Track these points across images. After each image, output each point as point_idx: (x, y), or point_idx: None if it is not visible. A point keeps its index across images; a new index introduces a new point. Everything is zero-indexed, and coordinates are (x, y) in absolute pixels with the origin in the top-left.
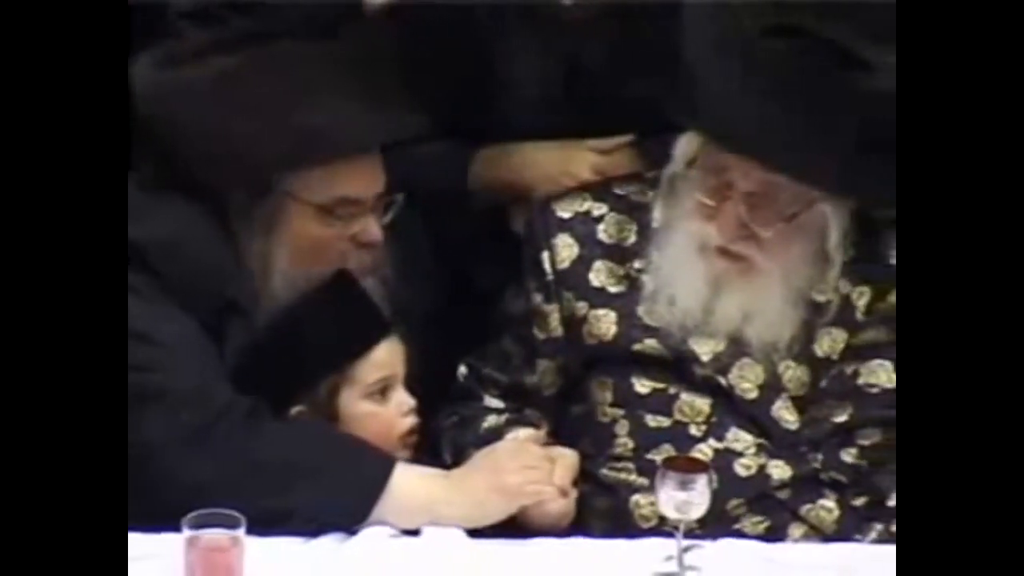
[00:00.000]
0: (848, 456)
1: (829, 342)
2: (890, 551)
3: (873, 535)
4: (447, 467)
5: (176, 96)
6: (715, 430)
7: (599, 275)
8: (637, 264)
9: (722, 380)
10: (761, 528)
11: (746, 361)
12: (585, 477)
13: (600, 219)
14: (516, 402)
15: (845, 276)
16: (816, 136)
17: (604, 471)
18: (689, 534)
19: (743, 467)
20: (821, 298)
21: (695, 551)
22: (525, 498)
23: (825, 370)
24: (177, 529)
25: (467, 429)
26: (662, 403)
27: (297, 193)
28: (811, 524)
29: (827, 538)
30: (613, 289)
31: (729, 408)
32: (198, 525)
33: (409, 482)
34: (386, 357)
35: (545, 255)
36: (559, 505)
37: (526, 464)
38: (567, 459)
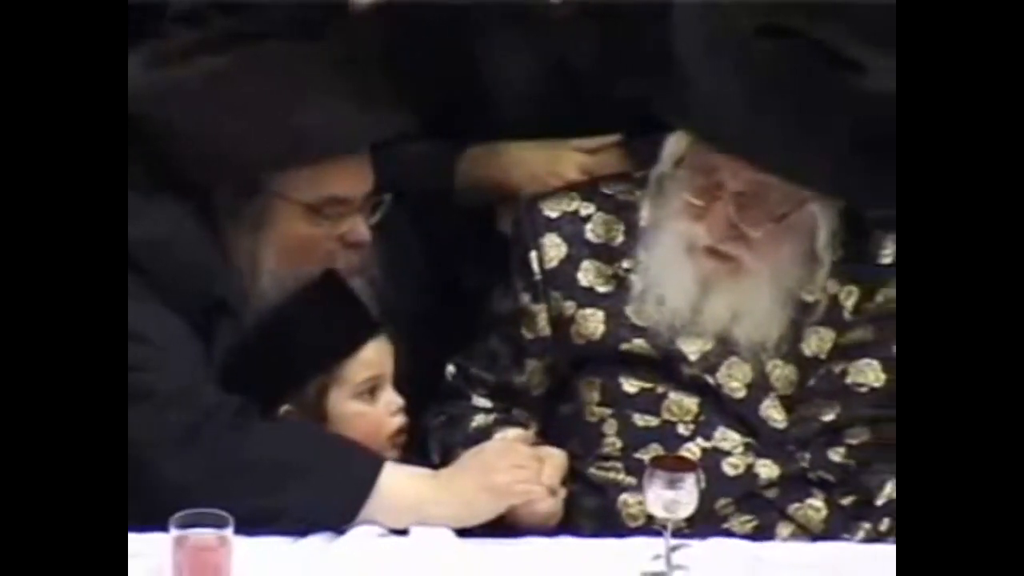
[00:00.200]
0: (836, 455)
1: (817, 341)
2: (878, 550)
3: (861, 534)
4: (435, 467)
5: (164, 96)
6: (703, 429)
7: (587, 275)
8: (625, 264)
9: (710, 379)
10: (749, 527)
11: (734, 360)
12: (573, 476)
13: (588, 219)
14: (504, 402)
15: (833, 276)
16: (806, 136)
17: (592, 470)
18: (677, 533)
19: (731, 466)
20: (809, 298)
21: (683, 550)
22: (514, 497)
23: (813, 369)
24: (165, 529)
25: (455, 429)
26: (650, 402)
27: (285, 193)
28: (799, 523)
29: (815, 537)
30: (601, 289)
31: (717, 407)
32: (186, 525)
33: (398, 482)
34: (374, 357)
35: (533, 255)
36: (547, 505)
37: (515, 464)
38: (555, 459)
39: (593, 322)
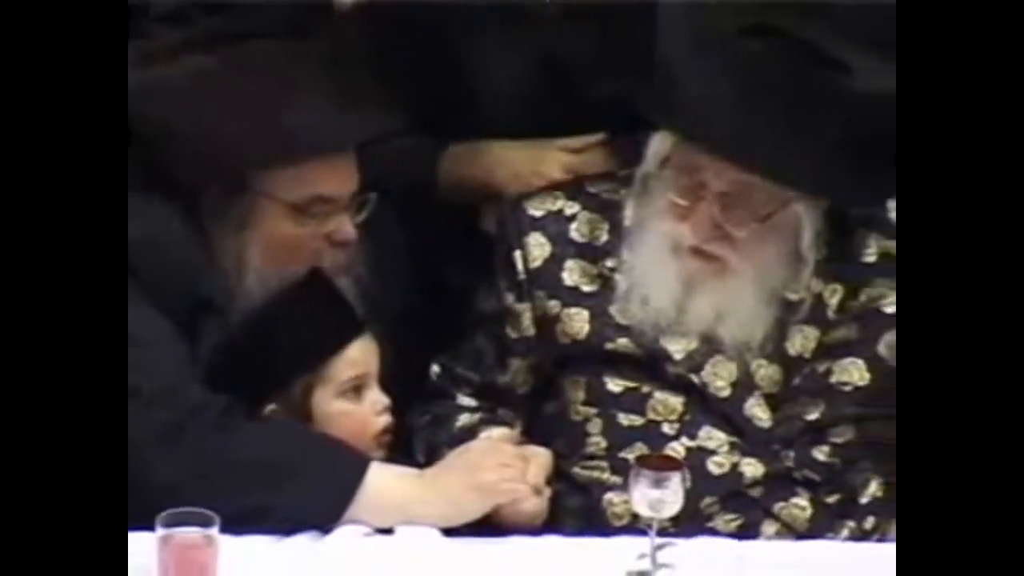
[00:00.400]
0: (820, 454)
1: (801, 340)
2: (863, 549)
3: (845, 533)
4: (420, 466)
5: (150, 96)
6: (688, 428)
7: (572, 274)
8: (610, 263)
9: (695, 378)
10: (734, 526)
11: (719, 359)
12: (558, 476)
13: (572, 218)
14: (489, 401)
15: (817, 274)
16: (791, 136)
17: (577, 470)
18: (662, 532)
19: (716, 465)
20: (794, 297)
21: (668, 549)
22: (500, 497)
23: (798, 368)
24: (151, 528)
25: (440, 428)
26: (635, 402)
27: (271, 192)
28: (784, 522)
29: (800, 536)
30: (586, 288)
31: (702, 406)
32: (172, 523)
33: (384, 481)
34: (360, 356)
35: (517, 254)
36: (533, 504)
37: (500, 463)
38: (540, 458)
39: (578, 321)
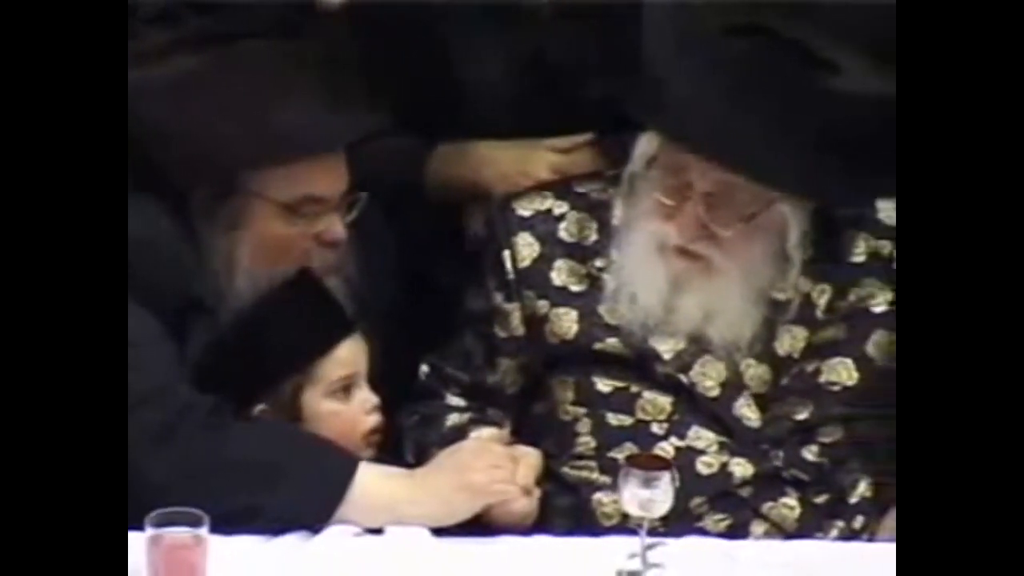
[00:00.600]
0: (809, 454)
1: (790, 340)
2: (852, 548)
3: (834, 532)
4: (410, 466)
5: (139, 96)
6: (677, 428)
7: (560, 274)
8: (598, 263)
9: (684, 378)
10: (723, 526)
11: (708, 359)
12: (547, 476)
13: (561, 218)
14: (478, 401)
15: (806, 274)
16: (777, 137)
17: (566, 469)
18: (651, 532)
19: (705, 465)
20: (782, 296)
21: (658, 548)
22: (490, 497)
23: (786, 368)
24: (140, 528)
25: (429, 428)
26: (624, 402)
27: (261, 192)
28: (773, 522)
29: (789, 536)
30: (575, 288)
31: (691, 406)
32: (161, 523)
33: (373, 482)
34: (349, 355)
35: (506, 254)
36: (522, 504)
37: (490, 463)
38: (530, 458)
39: (567, 321)
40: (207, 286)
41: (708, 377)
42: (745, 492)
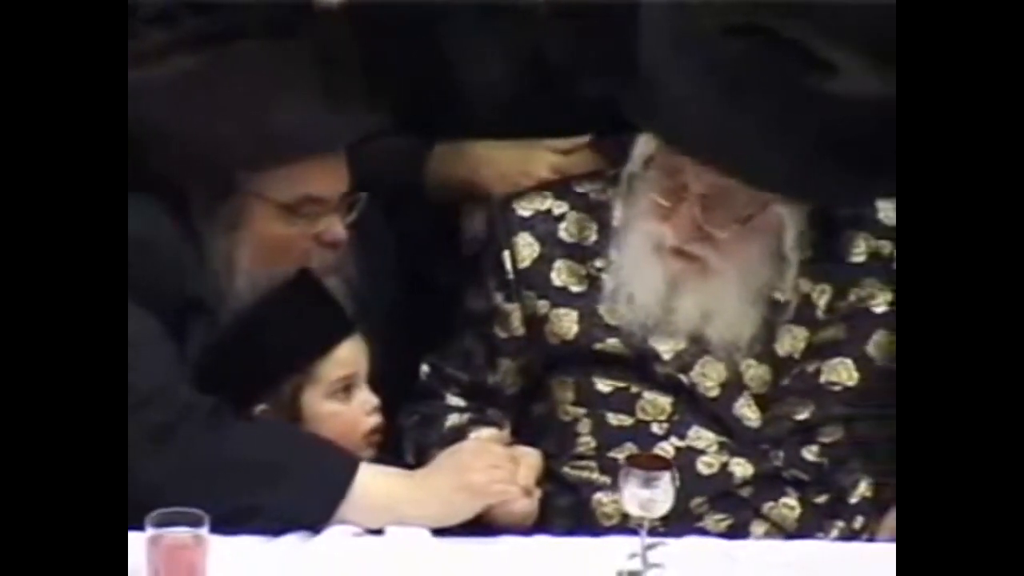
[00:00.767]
0: (809, 454)
1: (790, 340)
2: (852, 548)
3: (835, 532)
4: (410, 467)
5: (138, 96)
6: (677, 428)
7: (560, 274)
8: (598, 263)
9: (684, 378)
10: (723, 526)
11: (708, 360)
12: (547, 476)
13: (561, 218)
14: (478, 401)
15: (805, 275)
16: (772, 140)
17: (566, 470)
18: (651, 532)
19: (705, 465)
20: (781, 297)
21: (659, 548)
22: (490, 497)
23: (787, 368)
24: (140, 528)
25: (429, 428)
26: (624, 402)
27: (261, 192)
28: (773, 522)
29: (789, 535)
30: (575, 288)
31: (691, 406)
32: (162, 523)
33: (373, 482)
34: (349, 355)
35: (506, 254)
36: (523, 505)
37: (490, 464)
38: (530, 459)
39: (567, 321)
40: (207, 286)
41: (708, 377)
42: (745, 492)
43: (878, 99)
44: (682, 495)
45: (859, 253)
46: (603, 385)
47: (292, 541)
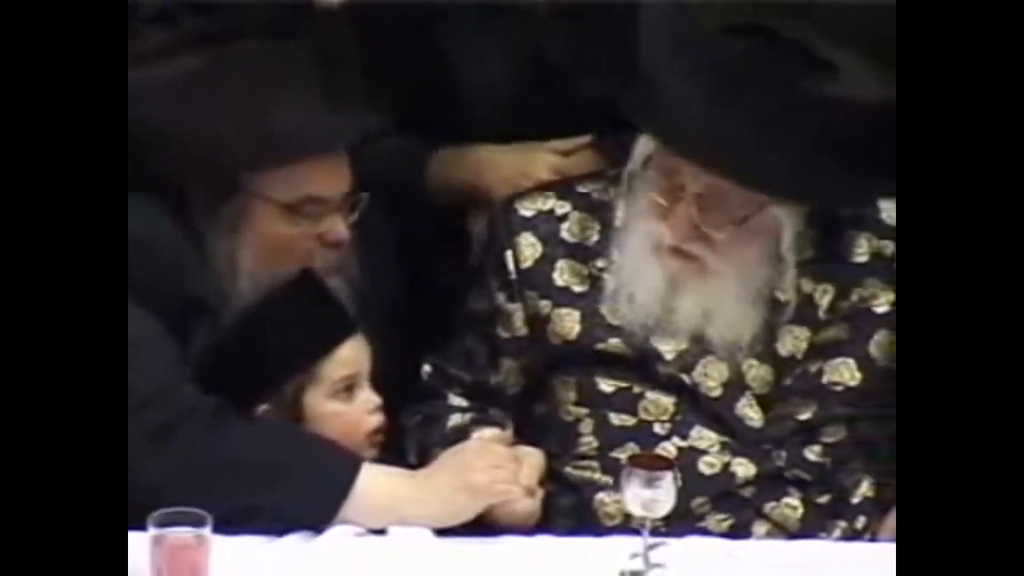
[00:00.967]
0: (812, 454)
1: (792, 340)
2: (854, 548)
3: (837, 532)
4: (412, 467)
5: (139, 96)
6: (679, 428)
7: (562, 274)
8: (600, 263)
9: (686, 378)
10: (725, 526)
11: (710, 359)
12: (549, 476)
13: (564, 218)
14: (480, 401)
15: (808, 275)
16: (769, 142)
17: (568, 470)
18: (653, 532)
19: (707, 465)
20: (782, 297)
21: (660, 548)
22: (492, 498)
23: (789, 368)
24: (143, 528)
25: (432, 428)
26: (626, 402)
27: (263, 192)
28: (775, 522)
29: (791, 536)
30: (577, 288)
31: (693, 406)
32: (164, 524)
33: (376, 482)
34: (351, 355)
35: (508, 254)
36: (525, 505)
37: (493, 464)
38: (533, 459)
39: (569, 321)
40: (210, 287)
41: (710, 377)
42: (747, 492)
43: (878, 100)
44: (684, 495)
45: (861, 253)
46: (605, 385)
47: (294, 541)
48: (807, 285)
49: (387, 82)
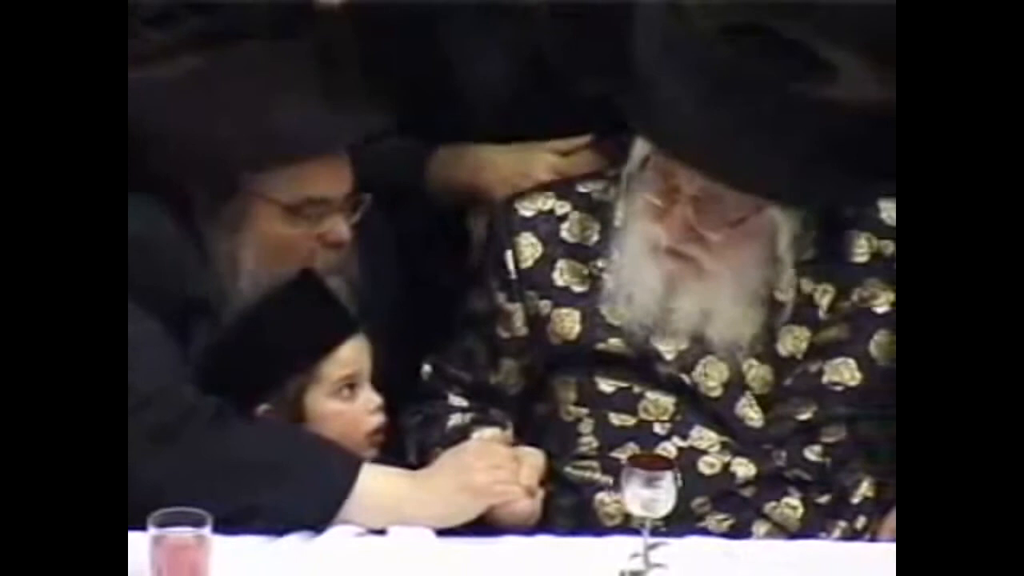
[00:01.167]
0: (812, 454)
1: (792, 341)
2: (854, 548)
3: (837, 532)
4: (412, 467)
5: (139, 96)
6: (679, 428)
7: (562, 274)
8: (600, 263)
9: (686, 378)
10: (726, 526)
11: (710, 360)
12: (550, 476)
13: (564, 218)
14: (481, 401)
15: (808, 275)
16: (765, 146)
17: (569, 469)
18: (653, 532)
19: (707, 465)
20: (781, 297)
21: (660, 548)
22: (493, 498)
23: (789, 368)
24: (143, 528)
25: (432, 428)
26: (626, 402)
27: (264, 193)
28: (775, 522)
29: (791, 535)
30: (577, 288)
31: (693, 406)
32: (164, 523)
33: (376, 482)
34: (352, 355)
35: (508, 254)
36: (525, 505)
37: (493, 464)
38: (533, 459)
39: (569, 321)
40: (211, 287)
41: (710, 377)
42: (747, 492)
43: (878, 100)
44: (684, 495)
45: (862, 253)
46: (605, 385)
47: (294, 541)
48: (807, 285)
49: (387, 82)
